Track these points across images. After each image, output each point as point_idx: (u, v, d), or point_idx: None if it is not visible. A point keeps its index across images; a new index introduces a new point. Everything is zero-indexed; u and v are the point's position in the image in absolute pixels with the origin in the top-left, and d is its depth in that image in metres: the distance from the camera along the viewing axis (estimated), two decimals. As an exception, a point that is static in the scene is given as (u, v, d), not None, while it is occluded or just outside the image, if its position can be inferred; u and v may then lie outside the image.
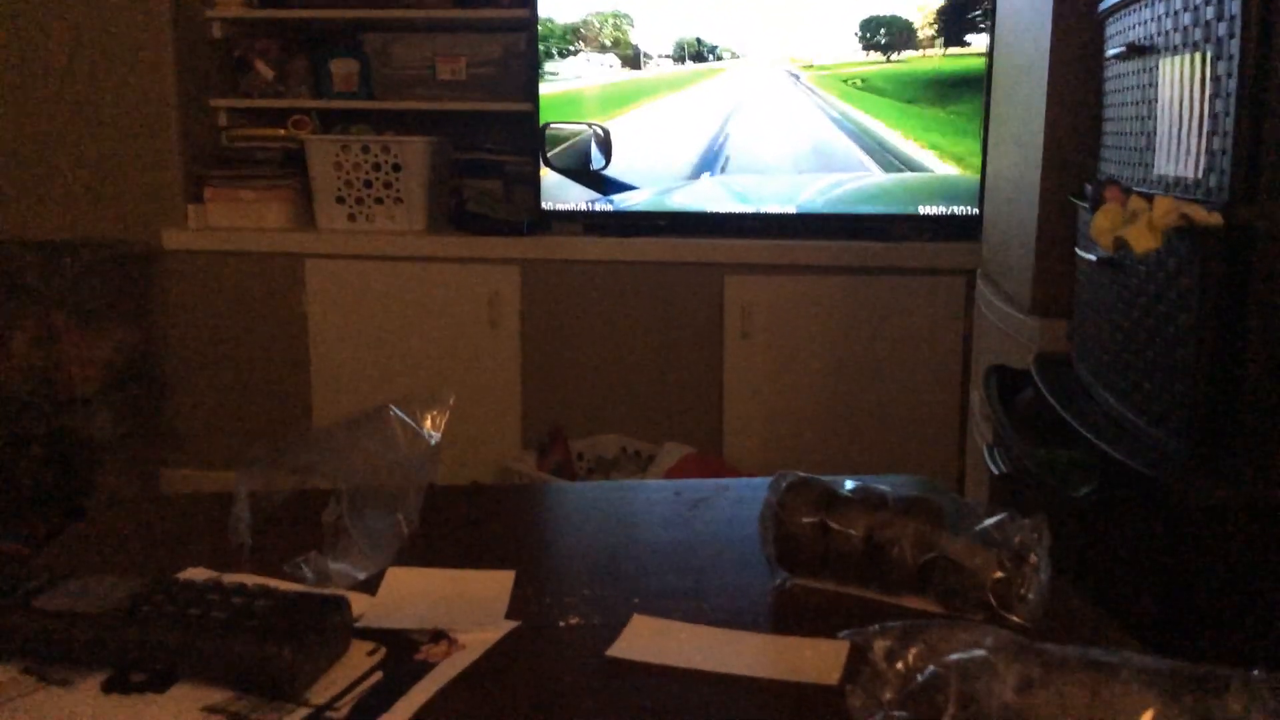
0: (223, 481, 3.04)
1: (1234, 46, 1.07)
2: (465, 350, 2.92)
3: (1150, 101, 1.33)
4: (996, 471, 1.54)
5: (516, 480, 2.70)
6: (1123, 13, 1.46)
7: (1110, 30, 1.54)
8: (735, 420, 2.83)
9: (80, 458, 2.82)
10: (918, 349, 2.75)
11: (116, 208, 2.99)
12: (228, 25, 3.09)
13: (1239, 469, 1.11)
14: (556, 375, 2.92)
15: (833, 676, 0.60)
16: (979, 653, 0.49)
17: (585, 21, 2.97)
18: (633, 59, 3.00)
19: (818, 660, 0.62)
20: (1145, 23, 1.36)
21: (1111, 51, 1.49)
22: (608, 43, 3.00)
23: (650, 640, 0.65)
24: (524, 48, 3.00)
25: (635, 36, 3.00)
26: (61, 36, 2.93)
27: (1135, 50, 1.38)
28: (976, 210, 2.77)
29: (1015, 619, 0.64)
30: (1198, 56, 1.19)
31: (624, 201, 2.99)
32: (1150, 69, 1.33)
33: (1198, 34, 1.18)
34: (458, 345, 2.92)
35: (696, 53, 2.98)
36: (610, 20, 2.98)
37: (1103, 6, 1.55)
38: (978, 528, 0.66)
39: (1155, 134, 1.31)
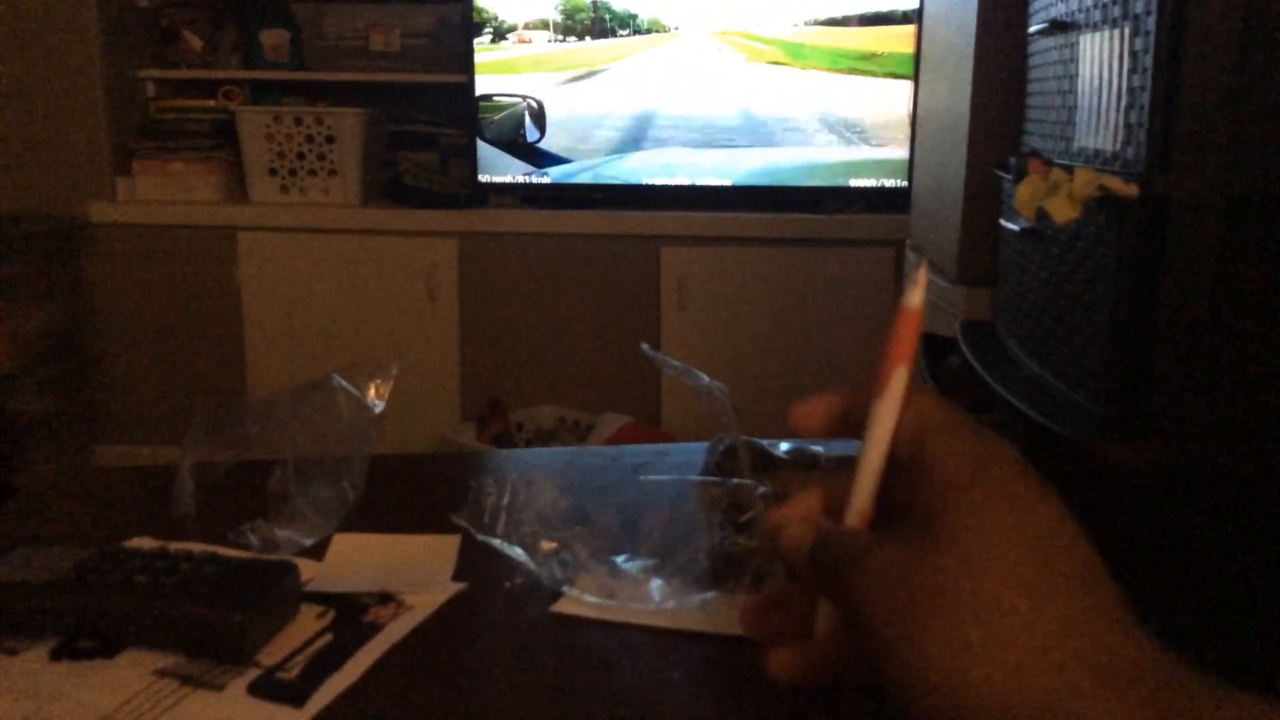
0: (157, 458, 3.00)
1: (1150, 23, 1.11)
2: (403, 323, 2.92)
3: (1071, 76, 1.37)
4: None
5: (456, 451, 2.71)
6: (1046, -11, 1.50)
7: (1034, 6, 1.59)
8: (672, 390, 2.87)
9: (8, 435, 2.76)
10: (849, 318, 2.81)
11: (41, 181, 2.93)
12: (154, -7, 3.03)
13: (1154, 431, 1.16)
14: (495, 347, 2.93)
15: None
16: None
17: (520, -8, 2.96)
18: (568, 30, 3.00)
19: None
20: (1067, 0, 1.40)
21: (1035, 27, 1.53)
22: (544, 16, 2.99)
23: (594, 597, 0.68)
24: (459, 20, 2.98)
25: (570, 7, 3.00)
26: (-21, 4, 2.85)
27: (1057, 26, 1.42)
28: (906, 183, 2.82)
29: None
30: (1116, 33, 1.23)
31: (560, 174, 2.99)
32: (1072, 44, 1.37)
33: (1116, 11, 1.22)
34: (396, 318, 2.91)
35: (630, 23, 2.99)
36: (545, -9, 2.97)
37: (1027, -18, 1.59)
38: None
39: (1076, 108, 1.35)
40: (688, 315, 2.86)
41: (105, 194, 2.94)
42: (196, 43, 3.05)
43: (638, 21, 2.96)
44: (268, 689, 0.59)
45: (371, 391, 0.83)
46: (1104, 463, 1.22)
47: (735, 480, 0.69)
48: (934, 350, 1.71)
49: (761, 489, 0.68)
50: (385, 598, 0.69)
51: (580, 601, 0.67)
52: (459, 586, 0.71)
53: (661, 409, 2.88)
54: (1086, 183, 1.19)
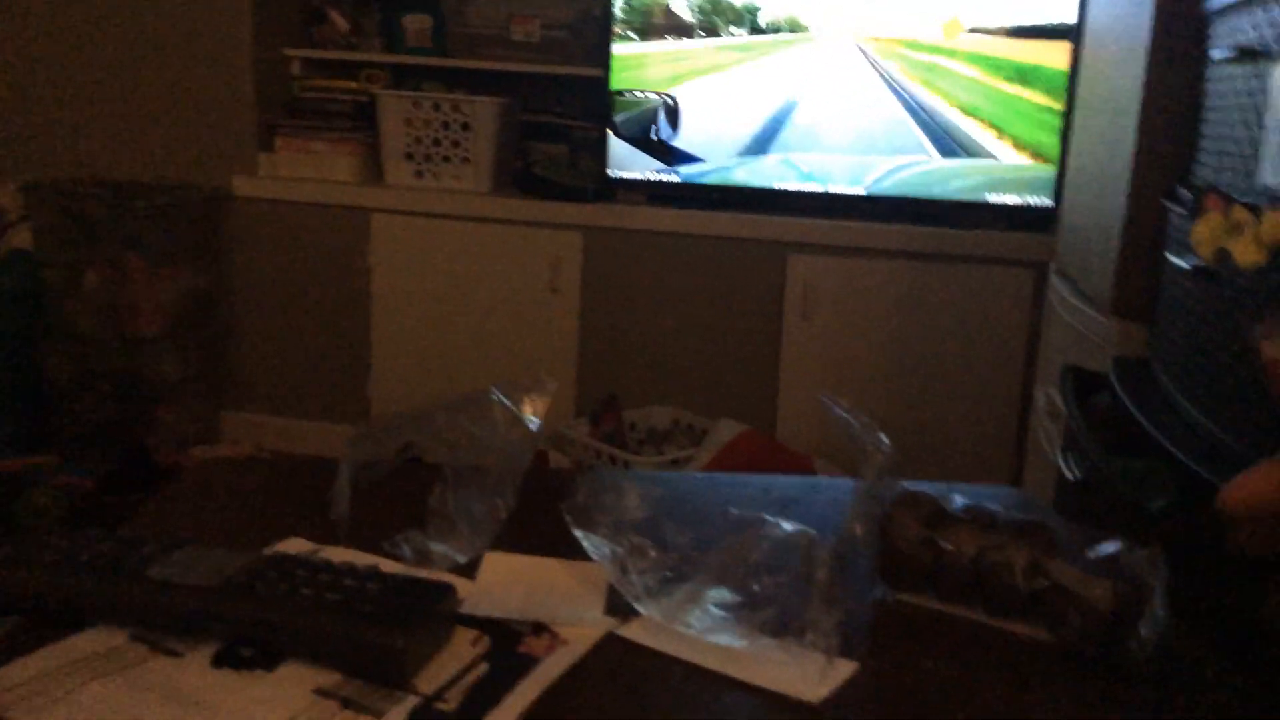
0: (281, 428, 3.08)
1: (1362, 62, 1.03)
2: (524, 313, 2.93)
3: (1258, 109, 1.29)
4: (1071, 478, 1.53)
5: (569, 447, 2.71)
6: (1233, 14, 1.42)
7: (1217, 30, 1.50)
8: (790, 400, 2.82)
9: (145, 397, 2.86)
10: (981, 341, 2.72)
11: (189, 152, 3.02)
12: (304, -25, 3.09)
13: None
14: (613, 343, 2.92)
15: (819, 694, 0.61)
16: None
17: (663, -12, 2.93)
18: (706, 28, 2.97)
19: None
20: (1258, 26, 1.32)
21: (1218, 54, 1.45)
22: (681, 12, 2.96)
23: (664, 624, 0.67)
24: (598, 12, 2.97)
25: (709, 6, 2.97)
26: (141, -21, 2.95)
27: (1245, 54, 1.34)
28: (1050, 202, 2.72)
29: (1129, 653, 0.63)
30: (1315, 66, 1.15)
31: (689, 173, 2.97)
32: (1260, 74, 1.29)
33: (1318, 44, 1.14)
34: (518, 308, 2.93)
35: (769, 24, 2.94)
36: (688, -12, 2.94)
37: (1210, 6, 1.51)
38: (1091, 555, 0.65)
39: (1262, 143, 1.27)
40: (811, 325, 2.81)
41: (249, 168, 3.02)
42: (343, 24, 3.10)
43: (778, 22, 2.92)
44: None
45: (528, 407, 0.82)
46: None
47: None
48: (1083, 385, 1.63)
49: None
50: (539, 628, 0.68)
51: (646, 628, 0.65)
52: (611, 621, 0.69)
53: (777, 419, 2.84)
54: (1276, 225, 1.12)
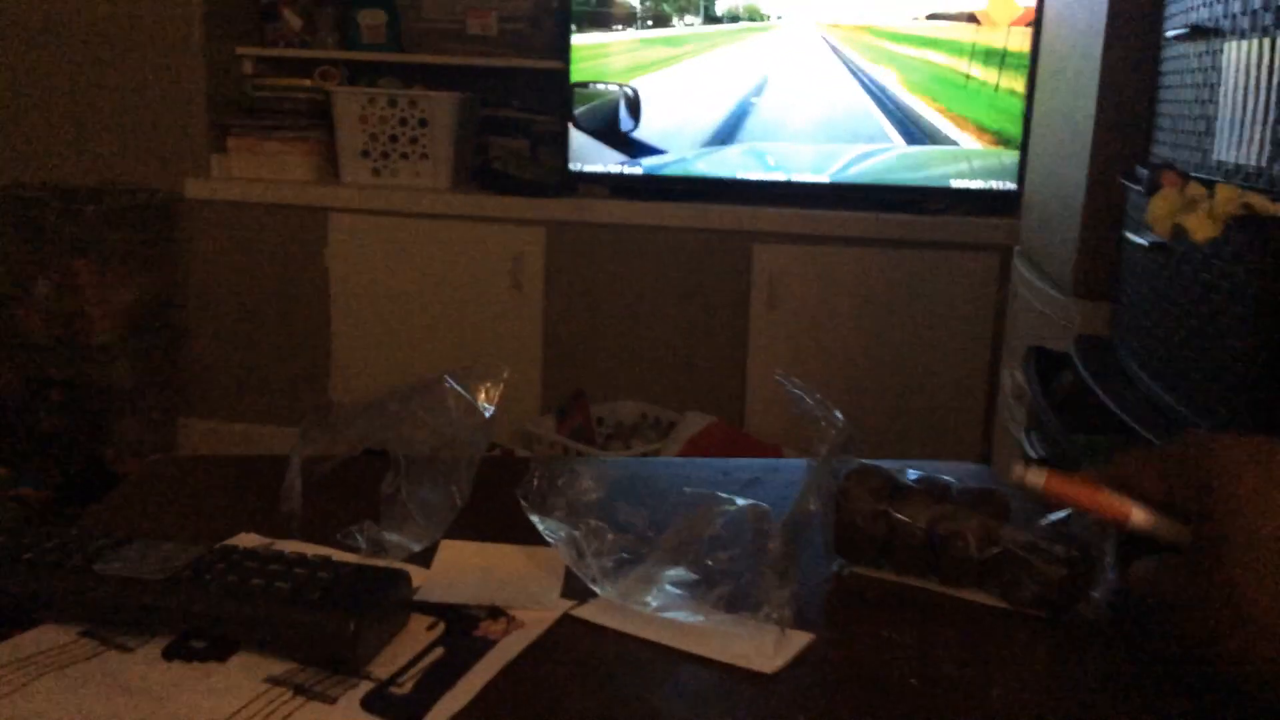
0: (240, 434, 3.04)
1: (1311, 32, 1.04)
2: (488, 310, 2.91)
3: (1212, 85, 1.30)
4: (1034, 456, 1.53)
5: (536, 444, 2.70)
6: (1185, -8, 1.43)
7: (1171, 10, 1.51)
8: (758, 391, 2.82)
9: (99, 405, 2.82)
10: (947, 326, 2.73)
11: (139, 155, 2.98)
12: (257, -28, 3.05)
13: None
14: (578, 338, 2.91)
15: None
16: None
17: (620, -20, 2.92)
18: (664, 17, 2.96)
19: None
20: (1210, 4, 1.32)
21: (1171, 32, 1.46)
22: (639, 3, 2.95)
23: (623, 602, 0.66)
24: (557, 3, 2.96)
25: (670, -3, 2.96)
26: (89, -21, 2.90)
27: (1198, 32, 1.35)
28: (1013, 185, 2.73)
29: (1081, 616, 0.64)
30: (1266, 41, 1.16)
31: (652, 165, 2.96)
32: (1213, 51, 1.30)
33: (1268, 18, 1.15)
34: (480, 305, 2.91)
35: (727, 12, 2.94)
36: (645, -20, 2.93)
37: (1163, -15, 1.52)
38: (1043, 522, 0.65)
39: (1216, 119, 1.28)
40: (777, 315, 2.81)
41: (201, 170, 2.98)
42: (296, 21, 3.07)
43: (736, 10, 2.92)
44: (381, 704, 0.57)
45: (482, 395, 0.81)
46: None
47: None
48: (1046, 365, 1.64)
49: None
50: (495, 612, 0.67)
51: (603, 609, 0.65)
52: (568, 604, 0.68)
53: (745, 410, 2.84)
54: (1229, 200, 1.13)
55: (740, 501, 0.65)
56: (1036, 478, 0.58)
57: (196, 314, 3.04)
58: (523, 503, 0.70)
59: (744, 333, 2.82)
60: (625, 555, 0.67)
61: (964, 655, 0.62)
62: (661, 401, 2.86)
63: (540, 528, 0.69)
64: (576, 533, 0.67)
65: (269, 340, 3.03)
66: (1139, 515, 0.57)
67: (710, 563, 0.65)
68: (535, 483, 0.71)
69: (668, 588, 0.65)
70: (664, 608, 0.64)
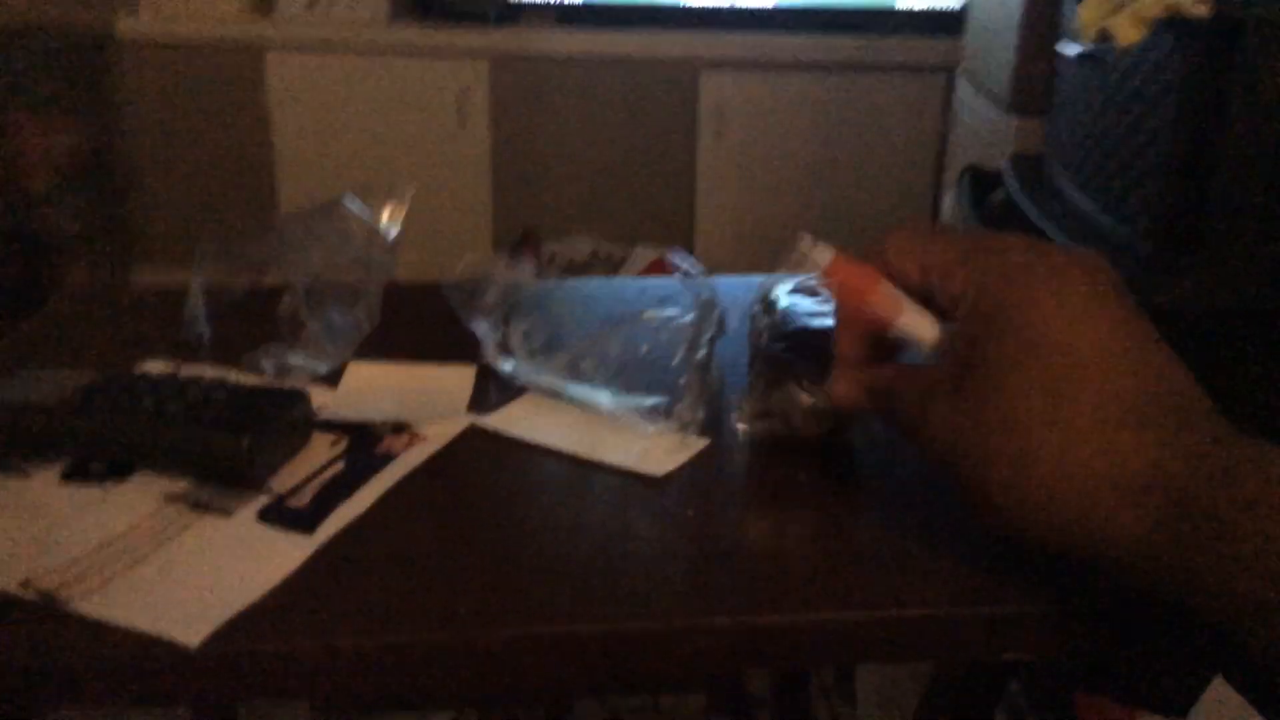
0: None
1: None
2: (434, 148, 2.86)
3: (1146, -116, 1.26)
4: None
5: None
6: None
7: None
8: (707, 221, 2.81)
9: (43, 254, 2.77)
10: (893, 149, 2.72)
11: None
12: None
13: (1203, 271, 1.11)
14: (527, 175, 2.87)
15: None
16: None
17: None
18: None
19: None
20: None
21: None
22: None
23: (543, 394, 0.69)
24: None
25: None
26: None
27: None
28: (957, 4, 2.67)
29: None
30: None
31: (596, -8, 2.86)
32: None
33: None
34: (426, 143, 2.86)
35: None
36: None
37: None
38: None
39: (1149, -81, 1.24)
40: (724, 144, 2.77)
41: (130, 6, 2.86)
42: None
43: None
44: (277, 515, 0.59)
45: (385, 215, 0.80)
46: (1146, 301, 1.18)
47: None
48: (980, 185, 1.64)
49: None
50: (399, 428, 0.68)
51: (508, 418, 0.67)
52: (473, 417, 0.69)
53: (695, 241, 2.83)
54: (1154, 2, 1.11)
55: (670, 310, 0.66)
56: (822, 255, 0.50)
57: (140, 160, 2.96)
58: (446, 295, 0.70)
59: (692, 163, 2.79)
60: (549, 343, 0.68)
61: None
62: (612, 236, 2.85)
63: (461, 314, 0.70)
64: (500, 325, 0.68)
65: (215, 185, 2.97)
66: (906, 320, 0.49)
67: (633, 365, 0.66)
68: (461, 276, 0.71)
69: (588, 381, 0.67)
70: (582, 396, 0.65)
